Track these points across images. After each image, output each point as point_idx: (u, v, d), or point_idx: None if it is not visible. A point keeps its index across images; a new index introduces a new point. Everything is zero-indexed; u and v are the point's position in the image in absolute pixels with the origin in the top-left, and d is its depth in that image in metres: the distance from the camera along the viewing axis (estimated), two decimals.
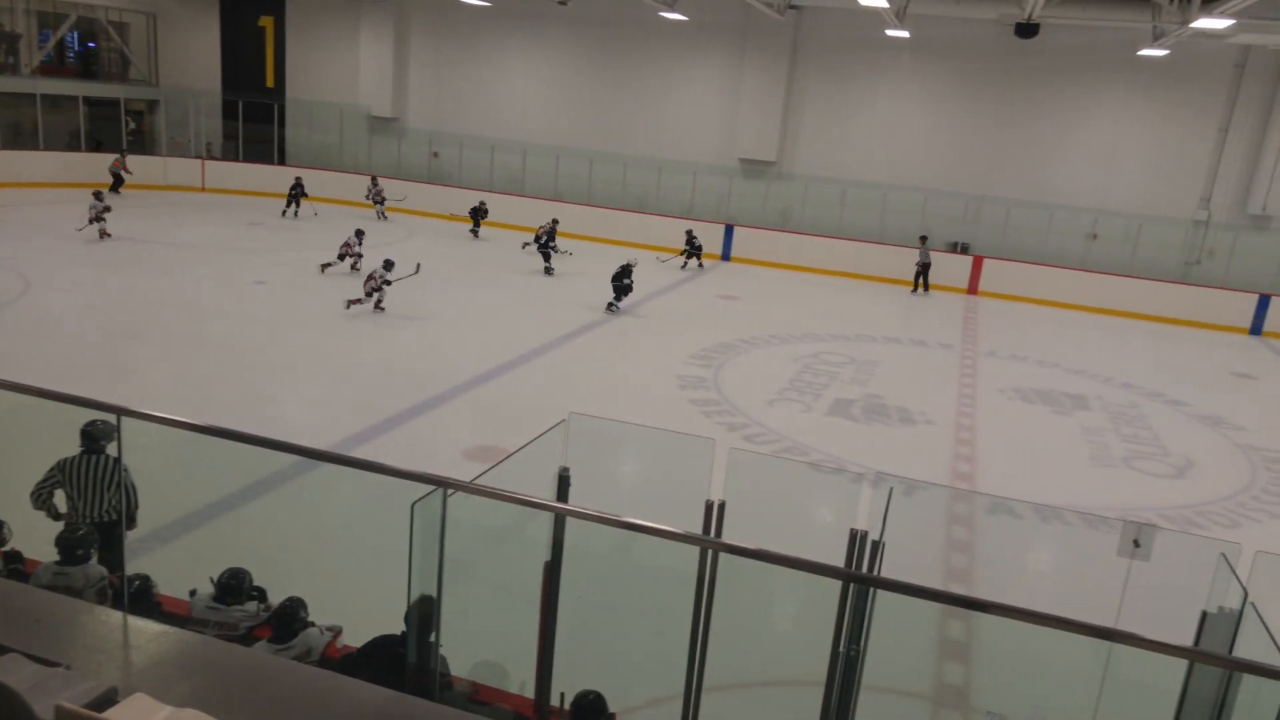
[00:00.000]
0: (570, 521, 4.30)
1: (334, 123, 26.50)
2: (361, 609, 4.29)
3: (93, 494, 5.46)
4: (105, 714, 2.38)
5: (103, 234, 17.50)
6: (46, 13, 25.11)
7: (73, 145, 24.17)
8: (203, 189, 25.11)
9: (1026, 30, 18.91)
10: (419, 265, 15.03)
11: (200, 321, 13.02)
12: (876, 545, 4.01)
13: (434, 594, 3.59)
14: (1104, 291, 20.23)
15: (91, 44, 26.77)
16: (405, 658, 3.80)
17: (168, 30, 27.16)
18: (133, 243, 17.80)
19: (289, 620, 4.39)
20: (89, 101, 24.66)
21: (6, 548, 4.88)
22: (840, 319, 17.04)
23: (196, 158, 25.65)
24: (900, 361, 14.46)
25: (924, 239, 20.89)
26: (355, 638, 4.46)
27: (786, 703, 5.71)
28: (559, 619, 4.47)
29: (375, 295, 14.05)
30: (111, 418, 4.05)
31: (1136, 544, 4.33)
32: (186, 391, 10.19)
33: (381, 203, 23.29)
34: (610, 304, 15.81)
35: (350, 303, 13.95)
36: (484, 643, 4.69)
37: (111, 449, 5.43)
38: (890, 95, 22.17)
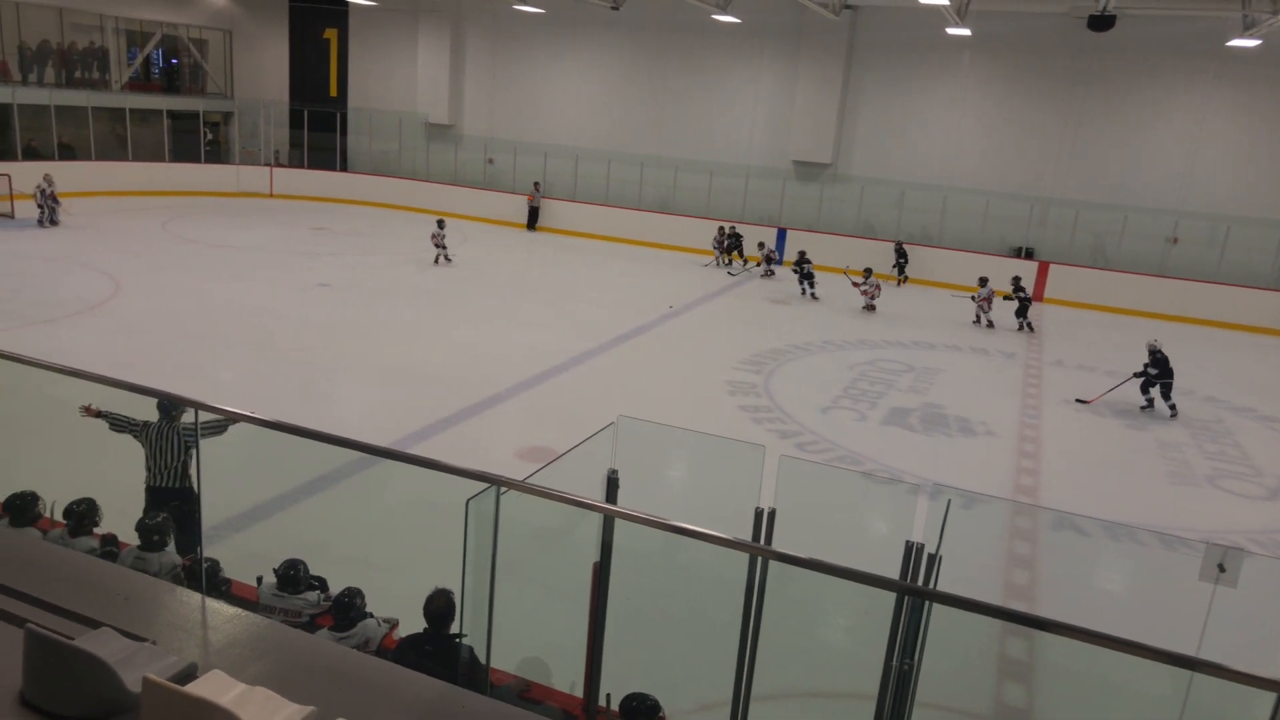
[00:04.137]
0: (619, 524, 4.32)
1: (393, 130, 27.12)
2: (416, 603, 4.37)
3: (164, 457, 6.03)
4: (186, 688, 2.51)
5: (443, 259, 18.56)
6: (134, 31, 26.30)
7: (157, 156, 25.28)
8: (271, 195, 25.94)
9: (1100, 23, 18.33)
10: None
11: (266, 322, 13.44)
12: (933, 558, 3.93)
13: (487, 590, 3.65)
14: (1186, 299, 19.39)
15: (174, 60, 27.95)
16: (437, 653, 3.87)
17: (242, 45, 28.20)
18: (206, 247, 18.47)
19: (348, 610, 4.52)
20: (171, 115, 25.76)
21: (100, 530, 5.15)
22: (898, 325, 16.78)
23: (265, 165, 26.51)
24: (961, 370, 14.17)
25: None
26: (411, 630, 4.54)
27: (837, 714, 5.63)
28: (607, 620, 4.49)
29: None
30: None
31: (1221, 568, 4.07)
32: (251, 390, 10.53)
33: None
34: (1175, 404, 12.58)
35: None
36: (533, 641, 4.73)
37: (185, 421, 6.06)
38: (950, 94, 21.78)
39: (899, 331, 16.25)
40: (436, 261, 18.46)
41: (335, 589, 4.87)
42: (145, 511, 5.53)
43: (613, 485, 4.64)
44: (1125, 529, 8.80)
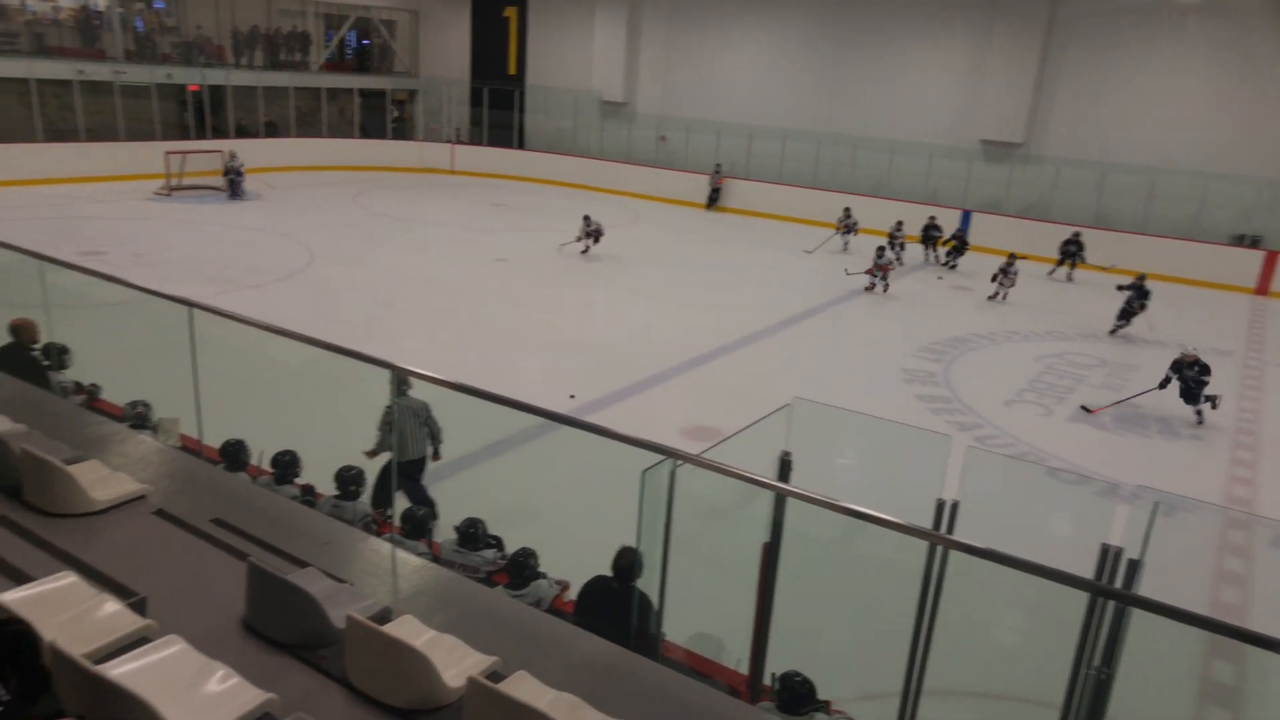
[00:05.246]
0: (791, 506, 4.22)
1: (569, 108, 27.71)
2: (586, 567, 4.46)
3: (407, 431, 6.32)
4: (383, 628, 2.70)
5: (583, 248, 17.29)
6: (331, 15, 28.38)
7: (347, 133, 27.17)
8: (451, 171, 27.27)
9: None
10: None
11: (446, 295, 14.15)
12: (1134, 565, 3.63)
13: (659, 561, 3.66)
14: None
15: (365, 41, 29.87)
16: (615, 602, 3.92)
17: (427, 25, 29.68)
18: (393, 220, 19.68)
19: (522, 569, 4.69)
20: (361, 93, 27.60)
21: (301, 480, 5.62)
22: (1092, 316, 15.51)
23: (447, 142, 27.87)
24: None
25: None
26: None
27: (1013, 718, 5.31)
28: (774, 601, 4.42)
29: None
30: None
31: None
32: (433, 357, 11.12)
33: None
34: None
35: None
36: (702, 615, 4.73)
37: (411, 396, 6.34)
38: (1167, 65, 19.64)
39: (1093, 324, 15.01)
40: (585, 250, 17.28)
41: (510, 549, 5.06)
42: (396, 485, 5.84)
43: (785, 467, 4.55)
44: None
